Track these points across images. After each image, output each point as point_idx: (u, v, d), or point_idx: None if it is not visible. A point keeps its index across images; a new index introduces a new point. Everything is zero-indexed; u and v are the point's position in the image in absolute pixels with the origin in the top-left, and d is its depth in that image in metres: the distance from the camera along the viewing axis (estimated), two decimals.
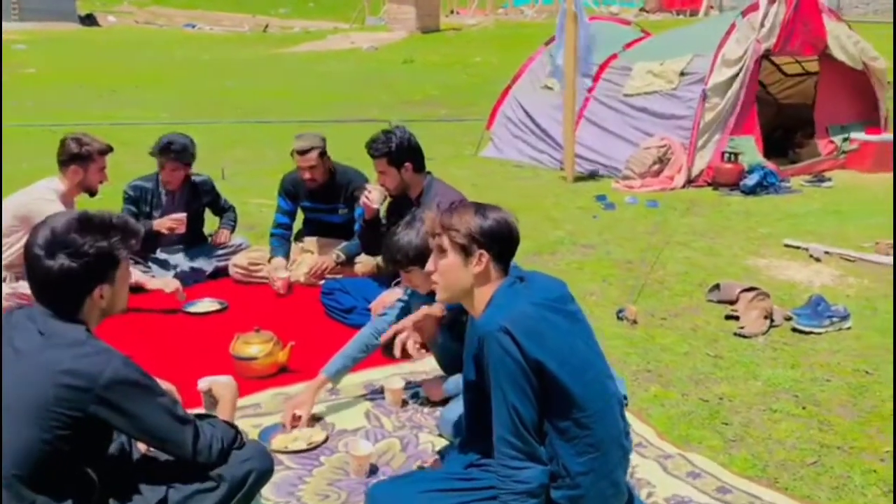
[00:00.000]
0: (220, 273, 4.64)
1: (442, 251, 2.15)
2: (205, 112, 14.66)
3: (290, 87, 18.69)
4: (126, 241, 2.08)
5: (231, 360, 3.30)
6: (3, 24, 36.86)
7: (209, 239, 4.80)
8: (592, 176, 7.86)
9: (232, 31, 39.78)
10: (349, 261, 4.40)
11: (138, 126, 12.48)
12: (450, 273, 2.16)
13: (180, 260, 4.58)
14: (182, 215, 4.40)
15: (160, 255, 4.53)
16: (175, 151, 4.38)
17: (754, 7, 7.61)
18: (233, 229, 4.85)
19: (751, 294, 4.01)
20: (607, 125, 8.14)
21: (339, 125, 12.85)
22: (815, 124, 8.41)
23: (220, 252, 4.68)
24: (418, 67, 21.99)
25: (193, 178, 4.67)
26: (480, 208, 2.16)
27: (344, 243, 4.47)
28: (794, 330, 3.79)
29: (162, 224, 4.36)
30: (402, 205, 3.85)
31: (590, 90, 8.33)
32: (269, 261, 4.51)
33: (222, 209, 4.88)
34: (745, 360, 3.49)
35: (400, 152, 3.73)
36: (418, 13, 28.78)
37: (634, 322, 3.91)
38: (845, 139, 8.35)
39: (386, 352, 2.96)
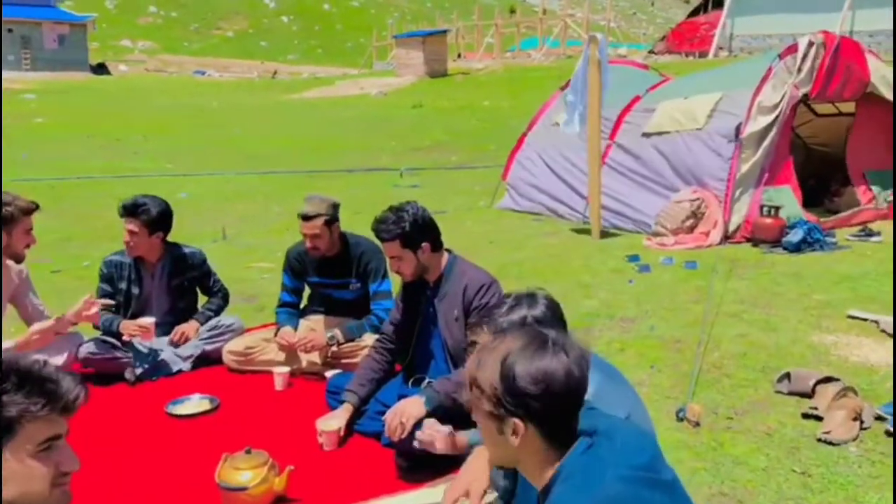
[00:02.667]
0: (213, 359, 4.07)
1: (474, 411, 1.62)
2: (211, 162, 14.27)
3: (299, 134, 18.36)
4: (31, 401, 1.46)
5: (217, 488, 2.71)
6: (15, 74, 37.10)
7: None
8: (616, 231, 7.32)
9: (241, 78, 39.92)
10: (348, 341, 3.83)
11: (139, 178, 12.07)
12: (490, 441, 1.63)
13: (163, 345, 4.02)
14: (150, 321, 3.86)
15: (139, 340, 3.96)
16: (125, 207, 3.90)
17: (792, 49, 7.12)
18: (208, 319, 4.19)
19: (831, 388, 3.41)
20: (631, 173, 7.63)
21: (349, 176, 12.41)
22: (849, 169, 7.88)
23: (208, 334, 4.11)
24: (427, 112, 21.68)
25: (182, 249, 4.14)
26: (508, 355, 1.55)
27: (348, 323, 3.91)
28: (889, 434, 3.18)
29: (126, 328, 3.84)
30: (419, 290, 3.30)
31: (611, 136, 7.84)
32: (275, 335, 3.96)
33: (209, 290, 4.29)
34: (839, 479, 2.88)
35: (415, 232, 3.15)
36: (426, 58, 28.67)
37: (697, 424, 3.31)
38: (885, 188, 7.79)
39: None
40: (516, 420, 1.54)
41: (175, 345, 4.03)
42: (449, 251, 3.29)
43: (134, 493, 2.84)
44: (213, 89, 32.21)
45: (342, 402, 3.29)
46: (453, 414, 2.81)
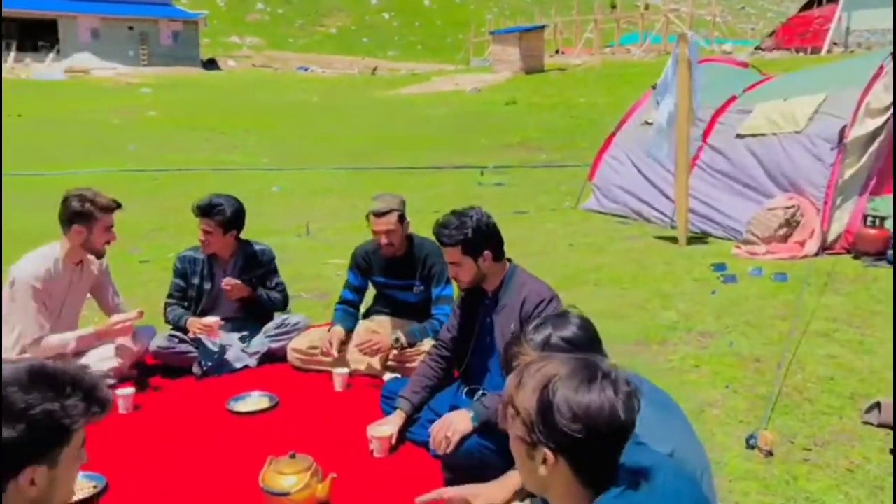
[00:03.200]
0: (278, 356, 4.11)
1: (510, 429, 1.53)
2: (306, 157, 14.61)
3: (393, 130, 18.55)
4: (88, 408, 1.52)
5: (260, 492, 2.71)
6: (133, 69, 39.17)
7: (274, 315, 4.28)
8: (704, 237, 6.98)
9: (342, 74, 40.75)
10: (411, 345, 3.78)
11: (236, 171, 12.47)
12: (520, 464, 1.54)
13: (232, 341, 4.08)
14: (214, 320, 3.91)
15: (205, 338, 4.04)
16: (200, 208, 3.94)
17: None
18: (258, 296, 4.17)
19: None
20: (723, 177, 7.27)
21: (436, 173, 12.42)
22: None
23: (275, 332, 4.15)
24: (521, 109, 21.49)
25: (254, 246, 4.19)
26: (547, 382, 1.44)
27: (414, 326, 3.86)
28: None
29: (192, 326, 3.90)
30: (476, 300, 3.20)
31: (704, 137, 7.49)
32: (329, 329, 3.96)
33: (271, 289, 4.27)
34: None
35: (477, 239, 3.04)
36: (522, 54, 28.41)
37: (770, 454, 3.08)
38: None
39: None
40: (547, 450, 1.44)
41: (197, 333, 4.08)
42: (510, 261, 3.18)
43: (180, 487, 2.88)
44: (315, 85, 33.01)
45: (395, 408, 3.24)
46: (500, 432, 2.70)
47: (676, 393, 3.72)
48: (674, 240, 6.93)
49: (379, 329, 4.05)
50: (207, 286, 4.08)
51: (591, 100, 21.50)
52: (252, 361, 4.07)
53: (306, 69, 42.83)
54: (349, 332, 4.00)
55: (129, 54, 41.72)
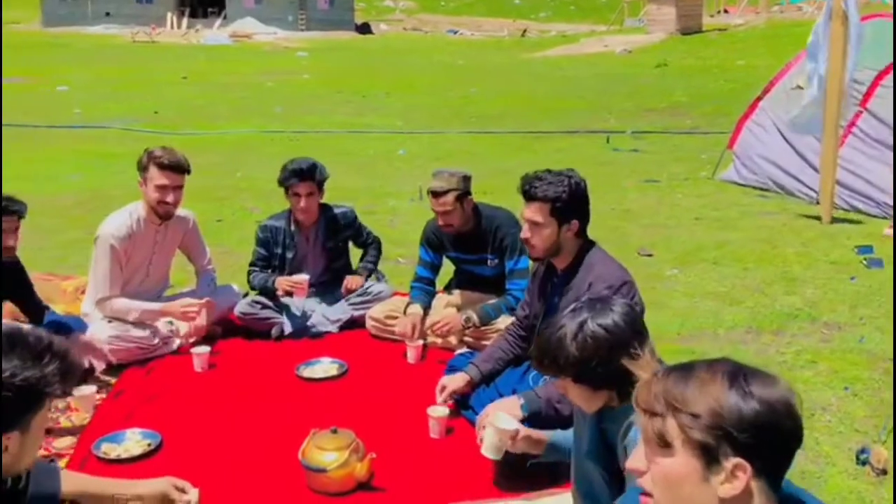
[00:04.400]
0: (360, 324, 4.03)
1: (664, 444, 1.21)
2: (440, 120, 14.54)
3: (533, 92, 18.10)
4: (63, 374, 1.50)
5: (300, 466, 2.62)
6: (290, 33, 40.77)
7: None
8: (854, 216, 6.20)
9: (491, 36, 40.38)
10: (484, 325, 3.56)
11: (367, 133, 12.60)
12: (676, 486, 1.22)
13: (314, 308, 4.04)
14: (304, 277, 3.84)
15: (292, 300, 4.01)
16: (301, 171, 3.84)
17: None
18: (370, 272, 4.20)
19: None
20: (884, 147, 6.40)
21: (569, 137, 11.96)
22: None
23: (358, 300, 4.07)
24: (671, 72, 20.31)
25: (335, 209, 4.10)
26: (737, 374, 1.18)
27: (489, 301, 3.64)
28: None
29: (280, 285, 3.85)
30: (547, 276, 2.92)
31: (863, 102, 6.63)
32: (405, 310, 3.80)
33: (365, 244, 4.27)
34: None
35: (571, 203, 2.74)
36: (679, 14, 26.82)
37: (882, 473, 2.62)
38: None
39: None
40: (740, 460, 1.15)
41: (349, 293, 4.04)
42: (588, 238, 2.87)
43: (228, 450, 2.86)
44: (462, 48, 32.91)
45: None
46: (552, 423, 2.45)
47: None
48: (818, 218, 6.22)
49: (455, 301, 3.87)
50: (290, 255, 4.02)
51: (750, 62, 19.95)
52: (333, 328, 4.01)
53: (455, 32, 42.81)
54: (426, 308, 3.83)
55: (289, 19, 43.39)
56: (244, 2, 43.51)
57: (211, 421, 3.10)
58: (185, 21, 42.02)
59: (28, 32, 39.97)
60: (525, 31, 42.15)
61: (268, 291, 3.95)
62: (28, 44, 34.36)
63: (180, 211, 3.85)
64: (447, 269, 4.11)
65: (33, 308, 3.42)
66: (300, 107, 16.76)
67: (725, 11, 33.88)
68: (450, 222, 3.60)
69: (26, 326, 1.60)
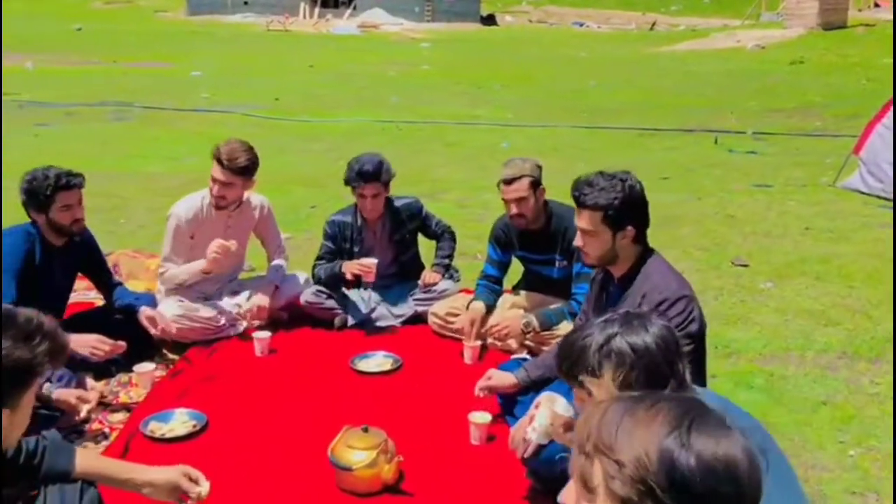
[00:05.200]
0: (424, 320, 3.97)
1: (588, 489, 1.04)
2: (552, 113, 14.28)
3: (652, 88, 17.47)
4: (52, 353, 1.53)
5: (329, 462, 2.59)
6: (415, 24, 41.28)
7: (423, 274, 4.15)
8: None
9: (618, 29, 39.35)
10: (545, 330, 3.40)
11: (473, 125, 12.53)
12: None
13: (379, 301, 4.01)
14: (372, 261, 3.80)
15: (357, 293, 4.00)
16: (365, 174, 3.76)
17: None
18: (447, 268, 4.14)
19: None
20: None
21: (682, 136, 11.43)
22: None
23: (423, 296, 4.01)
24: (807, 69, 19.05)
25: (399, 202, 4.05)
26: (682, 419, 1.00)
27: (553, 306, 3.49)
28: None
29: (349, 268, 3.82)
30: (605, 284, 2.75)
31: None
32: (467, 307, 3.71)
33: (435, 234, 4.19)
34: None
35: (625, 208, 2.54)
36: (821, 7, 25.12)
37: None
38: None
39: None
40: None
41: (427, 287, 4.00)
42: (651, 250, 2.67)
43: (267, 437, 2.88)
44: (587, 41, 32.25)
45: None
46: None
47: (864, 428, 2.98)
48: None
49: (522, 302, 3.74)
50: (356, 249, 3.99)
51: None
52: (396, 322, 3.98)
53: (581, 24, 42.03)
54: (490, 307, 3.72)
55: (415, 10, 43.93)
56: None
57: (258, 407, 3.13)
58: (316, 11, 43.39)
59: (174, 21, 42.49)
60: (654, 24, 40.83)
61: (334, 280, 3.93)
62: (173, 31, 36.55)
63: (254, 198, 3.92)
64: (518, 268, 3.99)
65: (105, 282, 3.57)
66: (416, 97, 16.92)
67: (876, 5, 31.49)
68: (522, 212, 3.45)
69: (20, 308, 1.61)
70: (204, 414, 2.98)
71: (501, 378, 2.88)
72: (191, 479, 2.06)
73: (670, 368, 1.72)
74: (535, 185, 3.43)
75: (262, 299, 3.76)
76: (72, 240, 3.36)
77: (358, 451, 2.55)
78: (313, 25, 39.73)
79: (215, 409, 3.05)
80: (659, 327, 1.77)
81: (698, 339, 2.49)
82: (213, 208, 3.74)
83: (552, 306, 3.52)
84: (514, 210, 3.46)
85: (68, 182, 3.25)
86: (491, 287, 3.76)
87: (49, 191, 3.18)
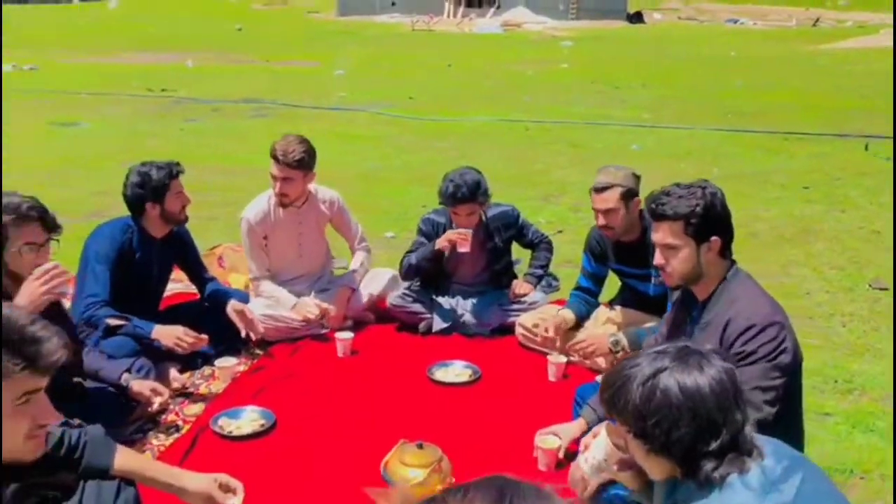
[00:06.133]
0: (508, 329, 3.81)
1: None
2: (691, 115, 13.59)
3: (805, 89, 16.26)
4: (10, 358, 1.48)
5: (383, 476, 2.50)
6: (559, 22, 40.76)
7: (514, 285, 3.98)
8: None
9: (776, 26, 37.09)
10: (635, 350, 3.14)
11: (604, 126, 12.13)
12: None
13: (467, 308, 3.88)
14: (467, 231, 3.65)
15: (445, 300, 3.89)
16: (461, 197, 3.61)
17: None
18: (539, 279, 3.95)
19: None
20: None
21: (831, 141, 10.52)
22: None
23: (512, 305, 3.84)
24: None
25: (490, 210, 3.89)
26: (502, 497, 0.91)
27: (649, 324, 3.23)
28: None
29: (443, 238, 3.67)
30: (687, 304, 2.49)
31: None
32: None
33: (531, 244, 4.01)
34: None
35: (709, 218, 2.30)
36: None
37: None
38: None
39: None
40: None
41: (516, 298, 3.86)
42: (734, 264, 2.39)
43: (330, 440, 2.83)
44: (739, 38, 30.60)
45: (580, 416, 2.74)
46: None
47: None
48: None
49: (617, 318, 3.49)
50: (447, 252, 3.86)
51: None
52: (484, 331, 3.84)
53: (735, 21, 39.95)
54: (581, 319, 3.50)
55: (560, 8, 43.40)
56: None
57: (328, 410, 3.10)
58: (460, 10, 43.84)
59: (325, 21, 44.29)
60: (817, 20, 38.19)
61: (428, 261, 3.76)
62: (323, 31, 38.08)
63: (324, 192, 3.92)
64: (617, 280, 3.74)
65: (199, 275, 3.66)
66: (550, 96, 16.63)
67: None
68: (610, 224, 3.22)
69: (15, 312, 1.57)
70: (273, 413, 2.98)
71: (570, 434, 2.67)
72: (227, 488, 2.03)
73: (724, 417, 1.49)
74: (627, 196, 3.19)
75: (330, 307, 3.74)
76: (170, 233, 3.47)
77: (411, 469, 2.45)
78: (457, 25, 40.14)
79: (286, 409, 3.05)
80: (718, 369, 1.54)
81: (791, 372, 2.20)
82: (279, 207, 3.76)
83: (647, 325, 3.26)
84: (601, 221, 3.24)
85: (178, 171, 3.39)
86: (585, 298, 3.55)
87: (166, 179, 3.31)
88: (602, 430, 2.13)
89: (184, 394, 3.20)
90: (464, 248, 3.65)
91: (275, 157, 3.62)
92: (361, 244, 4.05)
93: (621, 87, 18.09)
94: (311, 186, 3.83)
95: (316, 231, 3.92)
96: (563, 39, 33.66)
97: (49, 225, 2.57)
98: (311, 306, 3.68)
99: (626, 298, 3.58)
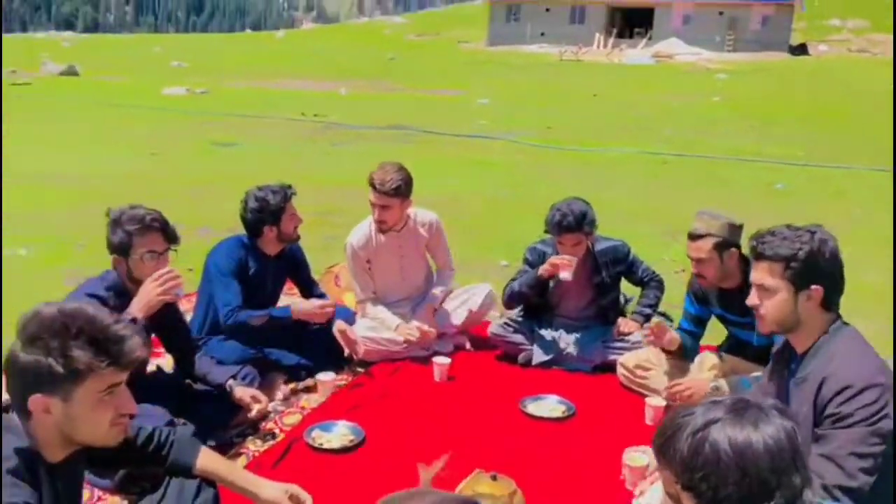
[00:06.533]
0: (609, 367, 3.72)
1: None
2: (849, 154, 12.74)
3: None
4: (96, 358, 1.61)
5: None
6: (714, 54, 39.38)
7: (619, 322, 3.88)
8: None
9: None
10: None
11: (749, 162, 11.58)
12: None
13: (569, 342, 3.82)
14: (572, 258, 3.60)
15: (547, 331, 3.85)
16: (567, 225, 3.57)
17: None
18: (647, 318, 3.83)
19: None
20: None
21: None
22: None
23: (616, 344, 3.75)
24: None
25: (604, 244, 3.82)
26: None
27: (755, 374, 3.05)
28: None
29: (547, 264, 3.64)
30: (785, 357, 2.33)
31: None
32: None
33: (640, 281, 3.90)
34: None
35: (811, 264, 2.14)
36: None
37: None
38: None
39: None
40: None
41: (621, 336, 3.79)
42: (839, 318, 2.22)
43: (415, 465, 2.84)
44: None
45: None
46: None
47: None
48: None
49: (723, 367, 3.32)
50: (553, 283, 3.83)
51: None
52: (585, 367, 3.77)
53: None
54: (686, 348, 3.37)
55: (715, 39, 42.08)
56: (672, 22, 43.45)
57: (416, 431, 3.15)
58: (611, 41, 43.45)
59: (474, 50, 45.31)
60: None
61: (531, 288, 3.74)
62: (472, 60, 38.95)
63: (423, 215, 3.99)
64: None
65: (310, 291, 3.84)
66: (695, 129, 16.13)
67: None
68: (702, 272, 3.10)
69: (84, 307, 1.70)
70: (363, 430, 3.07)
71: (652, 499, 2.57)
72: (297, 500, 2.10)
73: (777, 479, 1.39)
74: (721, 247, 3.04)
75: (430, 329, 3.82)
76: (283, 251, 3.67)
77: (483, 499, 2.43)
78: (606, 55, 39.82)
79: (376, 427, 3.12)
80: (776, 427, 1.44)
81: (892, 439, 2.01)
82: (380, 234, 3.86)
83: (754, 374, 3.08)
84: (694, 268, 3.12)
85: (291, 194, 3.59)
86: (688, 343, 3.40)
87: (282, 203, 3.51)
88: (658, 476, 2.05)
89: (286, 404, 3.35)
90: (566, 275, 3.60)
91: (373, 186, 3.73)
92: (447, 268, 4.09)
93: (775, 121, 17.28)
94: (410, 210, 3.92)
95: (416, 254, 4.01)
96: (718, 72, 32.57)
97: (169, 235, 2.80)
98: (412, 329, 3.76)
99: (732, 346, 3.40)
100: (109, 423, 1.70)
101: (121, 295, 2.74)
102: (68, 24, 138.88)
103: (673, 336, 3.35)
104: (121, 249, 2.72)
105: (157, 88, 21.85)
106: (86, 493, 2.50)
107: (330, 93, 22.89)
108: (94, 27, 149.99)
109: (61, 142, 11.98)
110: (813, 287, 2.15)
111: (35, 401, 1.61)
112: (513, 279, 3.90)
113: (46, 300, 1.72)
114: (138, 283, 2.72)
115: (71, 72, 27.00)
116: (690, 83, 28.31)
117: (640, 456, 2.63)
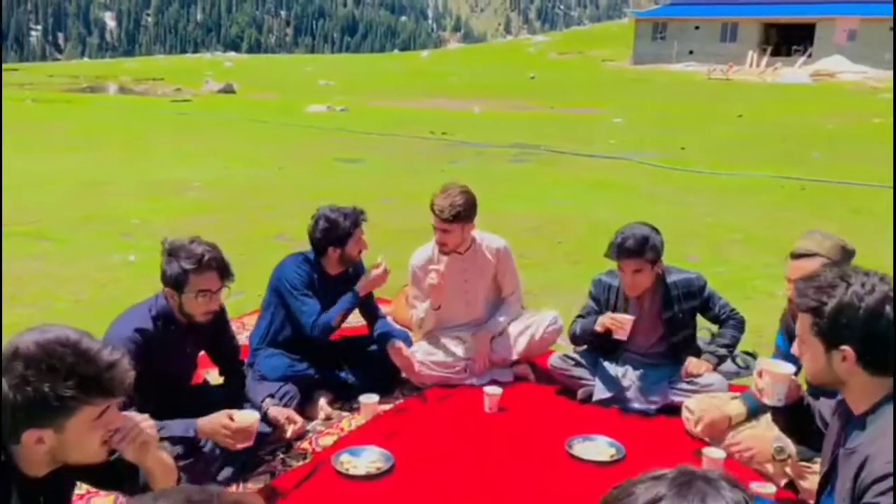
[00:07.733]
0: (675, 410, 3.41)
1: None
2: None
3: None
4: (86, 392, 1.63)
5: None
6: (883, 73, 36.40)
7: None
8: None
9: None
10: (804, 459, 2.62)
11: (828, 185, 10.54)
12: None
13: (633, 380, 3.54)
14: (628, 318, 3.40)
15: (612, 365, 3.59)
16: (627, 249, 3.33)
17: None
18: (721, 360, 3.49)
19: None
20: None
21: None
22: None
23: (684, 385, 3.43)
24: None
25: (678, 276, 3.52)
26: None
27: None
28: None
29: (602, 320, 3.45)
30: (838, 417, 2.01)
31: None
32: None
33: (717, 318, 3.56)
34: None
35: (838, 324, 1.84)
36: None
37: None
38: None
39: None
40: None
41: (689, 377, 3.51)
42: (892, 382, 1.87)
43: (444, 499, 2.72)
44: None
45: None
46: None
47: None
48: None
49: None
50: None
51: None
52: (650, 408, 3.48)
53: None
54: (755, 414, 3.02)
55: (885, 57, 38.88)
56: (835, 39, 40.67)
57: (451, 462, 3.02)
58: (765, 59, 41.23)
59: (619, 69, 44.38)
60: None
61: (588, 335, 3.58)
62: (615, 79, 38.16)
63: (492, 240, 3.85)
64: None
65: (370, 312, 3.79)
66: (846, 154, 14.90)
67: None
68: None
69: (69, 338, 1.68)
70: (393, 457, 2.97)
71: None
72: None
73: None
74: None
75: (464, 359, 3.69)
76: (345, 271, 3.65)
77: None
78: (758, 74, 37.82)
79: (410, 455, 3.02)
80: (726, 502, 1.21)
81: None
82: (443, 256, 3.75)
83: None
84: (790, 292, 2.77)
85: (362, 219, 3.57)
86: None
87: (352, 228, 3.51)
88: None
89: (326, 424, 3.32)
90: (620, 336, 3.42)
91: (433, 210, 3.65)
92: (513, 296, 3.92)
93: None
94: (476, 235, 3.79)
95: (481, 278, 3.87)
96: (884, 91, 30.06)
97: (224, 274, 2.78)
98: (432, 276, 3.66)
99: (817, 393, 3.01)
100: (99, 443, 1.71)
101: (169, 323, 2.77)
102: (234, 46, 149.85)
103: (724, 416, 3.04)
104: (175, 285, 2.71)
105: (302, 106, 22.93)
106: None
107: (464, 112, 23.10)
108: (257, 48, 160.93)
109: (200, 154, 12.78)
110: (842, 347, 1.84)
111: (29, 435, 1.63)
112: (579, 315, 3.71)
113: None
114: (188, 316, 2.75)
115: (228, 90, 28.93)
116: (850, 103, 26.31)
117: (717, 451, 2.56)
